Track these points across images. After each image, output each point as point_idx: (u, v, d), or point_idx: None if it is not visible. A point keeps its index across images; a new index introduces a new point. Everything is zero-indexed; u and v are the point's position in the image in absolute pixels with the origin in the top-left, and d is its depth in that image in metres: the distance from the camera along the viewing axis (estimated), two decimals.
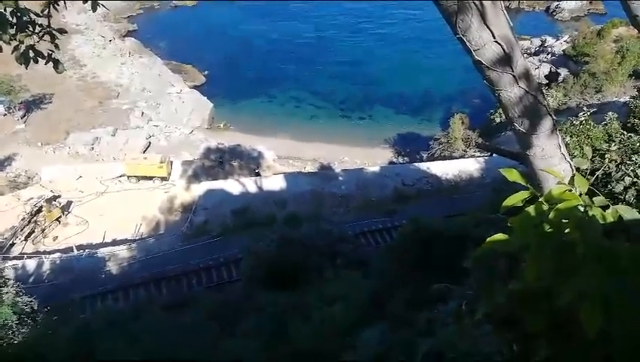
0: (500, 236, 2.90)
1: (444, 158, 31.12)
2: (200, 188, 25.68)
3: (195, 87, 42.96)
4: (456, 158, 30.36)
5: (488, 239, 2.92)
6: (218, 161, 30.61)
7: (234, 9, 57.50)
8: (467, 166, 27.54)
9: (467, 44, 2.43)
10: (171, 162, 28.54)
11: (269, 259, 14.06)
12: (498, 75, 2.55)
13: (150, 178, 26.95)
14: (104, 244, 22.51)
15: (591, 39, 38.31)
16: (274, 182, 25.94)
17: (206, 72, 45.59)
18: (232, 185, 25.79)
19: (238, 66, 45.71)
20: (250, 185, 25.77)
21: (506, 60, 2.49)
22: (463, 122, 33.98)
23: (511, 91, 2.62)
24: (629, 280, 2.29)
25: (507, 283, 3.17)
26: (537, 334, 2.57)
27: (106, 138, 34.74)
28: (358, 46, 49.63)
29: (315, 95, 42.64)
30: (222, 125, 39.19)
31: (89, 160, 32.36)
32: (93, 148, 33.94)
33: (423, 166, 28.64)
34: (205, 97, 40.93)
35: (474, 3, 2.28)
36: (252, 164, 31.32)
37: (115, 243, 22.53)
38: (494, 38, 2.41)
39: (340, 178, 26.80)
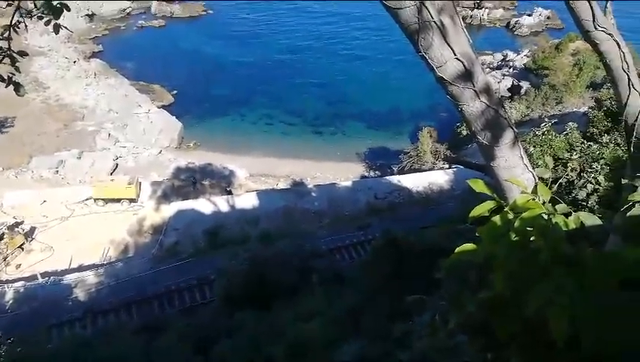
0: (468, 246, 2.96)
1: (415, 171, 31.62)
2: (170, 209, 25.22)
3: (164, 107, 42.42)
4: (426, 171, 30.89)
5: (457, 249, 2.98)
6: (191, 181, 30.23)
7: (201, 30, 57.56)
8: (437, 178, 28.04)
9: (429, 61, 2.52)
10: (140, 183, 27.98)
11: (242, 279, 13.87)
12: (460, 91, 2.65)
13: (118, 200, 26.33)
14: (70, 270, 21.74)
15: (550, 53, 39.94)
16: (246, 200, 25.74)
17: (174, 92, 45.19)
18: (204, 205, 25.45)
19: (207, 86, 45.53)
20: (222, 204, 25.49)
21: (467, 76, 2.59)
22: (431, 136, 34.72)
23: (473, 106, 2.71)
24: (592, 285, 2.38)
25: (477, 293, 3.24)
26: (508, 341, 2.63)
27: (71, 161, 33.78)
28: (328, 65, 50.30)
29: (286, 112, 42.80)
30: (192, 144, 38.76)
31: (54, 184, 31.34)
32: (57, 171, 32.92)
33: (394, 179, 29.00)
34: (174, 117, 40.45)
35: (434, 22, 2.37)
36: (223, 182, 31.03)
37: (81, 268, 21.79)
38: (455, 55, 2.50)
39: (313, 194, 26.84)
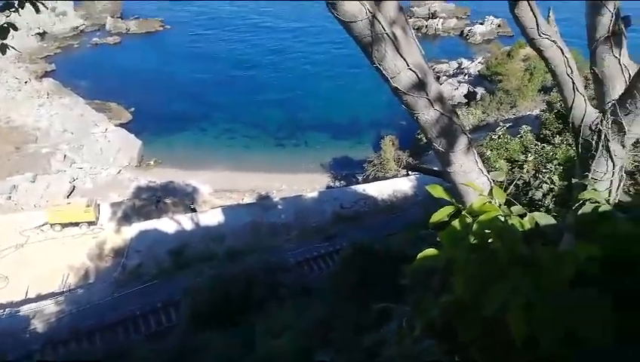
0: (430, 251, 3.01)
1: (379, 179, 32.03)
2: (132, 230, 24.48)
3: (122, 125, 41.37)
4: (390, 178, 31.34)
5: (419, 255, 3.02)
6: (154, 200, 29.51)
7: (158, 46, 56.76)
8: (401, 185, 28.49)
9: (384, 72, 2.57)
10: (99, 205, 27.08)
11: (209, 298, 13.59)
12: (414, 100, 2.72)
13: (76, 224, 25.36)
14: (28, 300, 20.67)
15: (502, 59, 41.54)
16: (211, 217, 25.32)
17: (132, 109, 44.19)
18: (167, 224, 24.85)
19: (166, 102, 44.77)
20: (185, 222, 24.97)
21: (420, 86, 2.66)
22: (393, 144, 35.35)
23: (427, 114, 2.79)
24: (547, 283, 2.45)
25: (440, 297, 3.28)
26: (471, 343, 2.67)
27: (24, 185, 32.32)
28: (288, 78, 50.51)
29: (248, 126, 42.59)
30: (152, 162, 37.89)
31: (6, 210, 29.86)
32: (10, 197, 31.41)
33: (360, 188, 29.27)
34: (132, 135, 39.50)
35: (387, 34, 2.43)
36: (187, 200, 30.45)
37: (39, 298, 20.75)
38: (408, 65, 2.57)
39: (279, 207, 26.72)
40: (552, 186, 11.97)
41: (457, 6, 58.48)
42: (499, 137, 14.19)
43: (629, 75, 3.17)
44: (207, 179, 33.07)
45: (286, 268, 16.73)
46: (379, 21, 2.36)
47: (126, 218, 26.94)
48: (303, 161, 37.67)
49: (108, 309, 18.97)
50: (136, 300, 19.23)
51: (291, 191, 32.56)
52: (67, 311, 19.32)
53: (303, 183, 34.40)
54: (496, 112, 37.26)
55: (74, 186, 32.91)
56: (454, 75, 47.28)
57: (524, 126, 15.28)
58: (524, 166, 12.52)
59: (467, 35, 57.74)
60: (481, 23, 57.59)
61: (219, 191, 32.42)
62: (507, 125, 15.95)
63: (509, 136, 14.45)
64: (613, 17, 3.15)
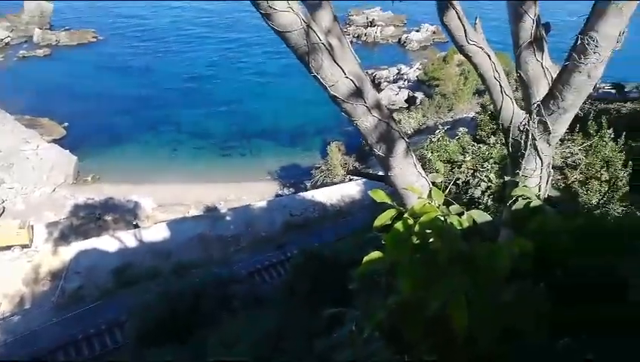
0: (375, 254, 3.06)
1: (327, 185, 32.28)
2: (70, 251, 23.16)
3: (55, 141, 39.12)
4: (338, 184, 31.67)
5: (365, 259, 3.07)
6: (95, 218, 28.14)
7: (92, 58, 54.39)
8: (349, 190, 28.84)
9: (322, 81, 2.61)
10: (32, 226, 25.45)
11: (156, 315, 13.09)
12: (353, 107, 2.78)
13: (8, 247, 23.72)
14: None
15: (438, 65, 43.24)
16: (155, 233, 24.44)
17: (66, 124, 41.95)
18: (108, 243, 23.72)
19: (102, 116, 42.85)
20: (128, 239, 23.95)
21: (358, 93, 2.72)
22: (339, 149, 35.83)
23: (366, 120, 2.86)
24: (484, 279, 2.56)
25: (387, 299, 3.33)
26: (418, 343, 2.73)
27: None
28: (232, 88, 49.92)
29: (192, 136, 41.62)
30: (90, 178, 36.08)
31: None
32: None
33: (308, 195, 29.35)
34: (67, 151, 37.45)
35: (323, 44, 2.46)
36: (129, 215, 29.24)
37: None
38: (345, 74, 2.62)
39: (228, 218, 26.25)
40: (489, 184, 12.54)
41: (394, 14, 60.26)
42: (438, 140, 14.70)
43: (551, 78, 3.40)
44: (149, 193, 31.93)
45: (237, 279, 16.46)
46: (314, 31, 2.40)
47: (63, 238, 25.48)
48: (251, 170, 37.29)
49: (47, 335, 17.83)
50: (78, 324, 18.21)
51: (239, 202, 32.10)
52: (2, 341, 18.00)
53: (252, 193, 34.01)
54: (436, 115, 38.70)
55: (4, 208, 30.71)
56: (395, 81, 48.66)
57: (461, 128, 15.96)
58: (463, 166, 13.06)
59: (404, 42, 59.68)
60: (417, 31, 59.73)
61: (163, 205, 31.37)
62: (446, 128, 16.56)
63: (447, 138, 15.01)
64: (535, 24, 3.37)
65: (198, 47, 58.71)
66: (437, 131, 15.85)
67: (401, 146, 3.08)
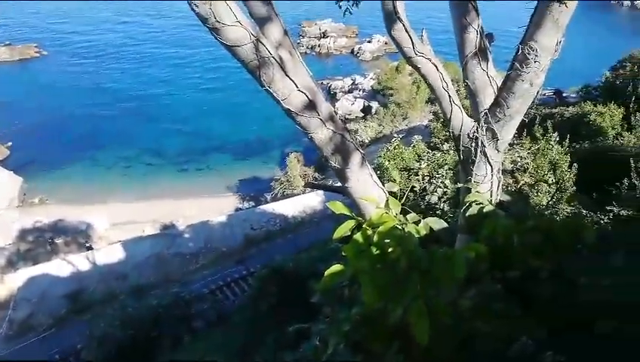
0: (335, 268, 3.05)
1: (288, 196, 32.14)
2: (18, 278, 21.84)
3: None
4: (299, 195, 31.61)
5: (326, 273, 3.05)
6: (45, 242, 26.75)
7: (36, 74, 52.20)
8: (309, 201, 28.82)
9: (274, 94, 2.60)
10: None
11: (115, 341, 12.53)
12: (307, 120, 2.78)
13: None
14: None
15: (391, 75, 44.20)
16: (110, 254, 23.47)
17: (9, 144, 39.86)
18: (60, 267, 22.55)
19: (49, 134, 41.05)
20: (81, 262, 22.87)
21: (311, 106, 2.72)
22: (298, 160, 35.80)
23: (321, 133, 2.86)
24: (442, 285, 2.60)
25: (351, 310, 3.32)
26: (383, 352, 2.73)
27: None
28: (185, 103, 49.14)
29: (145, 152, 40.48)
30: (37, 200, 34.33)
31: None
32: None
33: (269, 208, 29.08)
34: (11, 171, 35.53)
35: (273, 58, 2.46)
36: (81, 238, 27.99)
37: None
38: (298, 87, 2.62)
39: (186, 235, 25.58)
40: (445, 190, 12.86)
41: (346, 25, 61.32)
42: (394, 148, 14.98)
43: (497, 86, 3.53)
44: (102, 213, 30.72)
45: (198, 298, 16.02)
46: (264, 45, 2.39)
47: (10, 265, 24.06)
48: (208, 185, 36.64)
49: None
50: (28, 355, 17.14)
51: (198, 218, 31.40)
52: None
53: (210, 208, 33.37)
54: (391, 124, 39.48)
55: None
56: (350, 91, 49.37)
57: (415, 136, 16.36)
58: (419, 173, 13.35)
59: (357, 52, 60.79)
60: (369, 41, 60.99)
61: (117, 225, 30.23)
62: (401, 136, 16.93)
63: (403, 147, 15.33)
64: (478, 35, 3.50)
65: (148, 64, 57.59)
66: (393, 140, 16.17)
67: (356, 158, 3.10)
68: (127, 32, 66.03)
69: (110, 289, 20.08)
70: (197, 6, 2.07)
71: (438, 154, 14.43)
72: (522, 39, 2.87)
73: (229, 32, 2.29)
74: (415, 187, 13.62)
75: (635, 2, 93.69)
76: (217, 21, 2.21)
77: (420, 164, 14.03)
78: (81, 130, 42.32)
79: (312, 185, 32.39)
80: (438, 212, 12.76)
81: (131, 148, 40.53)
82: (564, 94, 33.53)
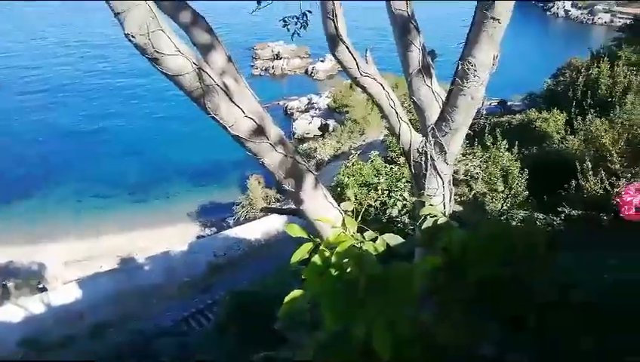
0: (296, 293, 3.00)
1: (250, 220, 31.73)
2: None
3: None
4: (262, 218, 31.27)
5: (286, 299, 3.00)
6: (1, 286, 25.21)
7: None
8: (273, 223, 28.57)
9: (220, 122, 2.57)
10: None
11: None
12: (256, 145, 2.76)
13: None
14: None
15: (346, 92, 44.97)
16: (66, 294, 22.35)
17: None
18: (12, 312, 21.25)
19: None
20: (35, 305, 21.65)
21: (260, 131, 2.71)
22: (259, 182, 35.49)
23: (271, 157, 2.85)
24: (402, 299, 2.60)
25: (314, 335, 3.27)
26: None
27: None
28: (140, 131, 48.06)
29: (99, 185, 39.03)
30: None
31: None
32: None
33: (232, 233, 28.62)
34: None
35: (218, 85, 2.44)
36: (33, 278, 26.50)
37: None
38: (245, 113, 2.61)
39: (146, 267, 24.75)
40: (404, 203, 13.08)
41: (297, 46, 62.10)
42: (353, 164, 15.16)
43: (442, 101, 3.64)
44: (55, 251, 29.29)
45: (162, 332, 15.43)
46: (207, 73, 2.36)
47: None
48: (167, 214, 35.67)
49: None
50: None
51: (158, 248, 30.48)
52: None
53: (170, 238, 32.47)
54: (349, 141, 39.98)
55: None
56: (306, 110, 49.78)
57: (373, 151, 16.61)
58: (378, 187, 13.53)
59: (311, 72, 61.62)
60: (322, 61, 61.96)
61: (72, 263, 28.85)
62: (359, 152, 17.18)
63: (361, 162, 15.53)
64: (421, 53, 3.61)
65: (98, 95, 56.23)
66: (351, 156, 16.35)
67: (309, 180, 3.10)
68: (73, 64, 64.37)
69: (68, 330, 19.04)
70: (134, 37, 2.03)
71: (396, 168, 14.69)
72: (461, 55, 2.99)
73: (170, 62, 2.25)
74: (376, 201, 13.75)
75: (569, 13, 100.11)
76: (156, 51, 2.17)
77: (379, 179, 14.23)
78: (28, 167, 40.49)
79: (267, 210, 32.03)
80: (399, 225, 12.93)
81: (83, 182, 39.04)
82: (508, 103, 35.18)
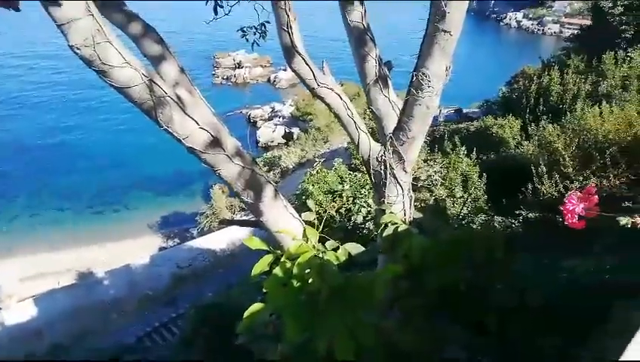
0: (256, 306, 2.95)
1: (215, 230, 31.22)
2: None
3: None
4: (226, 227, 30.82)
5: (245, 313, 2.94)
6: None
7: None
8: (238, 233, 28.19)
9: (174, 134, 2.51)
10: None
11: None
12: (212, 157, 2.71)
13: None
14: None
15: (309, 100, 45.10)
16: (22, 312, 21.28)
17: None
18: None
19: None
20: None
21: (215, 143, 2.66)
22: (223, 191, 34.99)
23: (228, 169, 2.81)
24: (364, 308, 2.60)
25: (278, 348, 3.22)
26: None
27: None
28: (96, 141, 46.66)
29: (55, 197, 37.53)
30: None
31: None
32: None
33: (195, 243, 28.05)
34: None
35: (169, 97, 2.38)
36: None
37: None
38: (199, 125, 2.56)
39: (106, 282, 23.89)
40: (369, 209, 13.19)
41: (259, 55, 61.98)
42: (317, 172, 15.20)
43: (399, 110, 3.70)
44: (9, 268, 27.90)
45: (124, 349, 14.91)
46: (158, 85, 2.31)
47: None
48: (128, 226, 34.63)
49: None
50: None
51: (119, 262, 29.51)
52: None
53: (132, 250, 31.52)
54: (314, 148, 40.08)
55: None
56: (270, 119, 49.63)
57: (336, 158, 16.72)
58: (343, 194, 13.60)
59: (274, 81, 61.59)
60: (284, 70, 62.03)
61: (27, 279, 27.52)
62: (323, 159, 17.24)
63: (326, 170, 15.59)
64: (377, 63, 3.66)
65: (53, 108, 54.30)
66: (315, 164, 16.38)
67: (268, 191, 3.07)
68: (25, 76, 61.93)
69: (24, 350, 18.12)
70: (79, 49, 1.95)
71: (360, 175, 14.82)
72: (415, 67, 3.04)
73: (118, 74, 2.18)
74: (340, 208, 13.81)
75: (521, 24, 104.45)
76: (103, 63, 2.10)
77: (343, 186, 14.31)
78: None
79: (227, 222, 31.58)
80: (364, 231, 13.01)
81: (39, 196, 37.46)
82: (465, 110, 36.39)
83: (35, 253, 30.52)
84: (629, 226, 1.47)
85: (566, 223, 1.56)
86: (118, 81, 2.20)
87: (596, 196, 1.48)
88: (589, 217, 1.52)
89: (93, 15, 1.93)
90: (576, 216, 1.52)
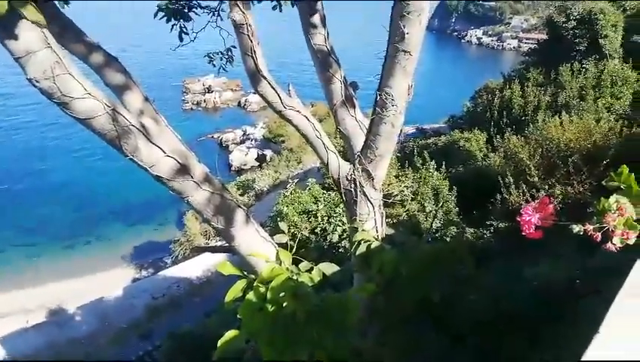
0: (230, 334, 2.91)
1: (189, 258, 30.61)
2: None
3: None
4: (201, 254, 30.26)
5: (220, 342, 2.89)
6: None
7: None
8: (213, 259, 27.71)
9: (139, 163, 2.48)
10: None
11: None
12: (180, 184, 2.69)
13: None
14: None
15: (280, 123, 45.24)
16: None
17: None
18: None
19: None
20: None
21: (183, 170, 2.64)
22: (196, 218, 34.43)
23: (197, 195, 2.78)
24: (339, 329, 2.60)
25: None
26: None
27: None
28: (64, 171, 45.36)
29: (21, 232, 36.14)
30: None
31: None
32: None
33: (170, 272, 27.40)
34: None
35: (134, 127, 2.35)
36: None
37: None
38: (165, 153, 2.54)
39: (78, 317, 23.01)
40: (344, 228, 13.22)
41: (228, 79, 62.09)
42: (291, 193, 15.18)
43: (366, 129, 3.77)
44: None
45: None
46: (121, 114, 2.28)
47: None
48: (99, 258, 33.55)
49: None
50: None
51: (91, 296, 28.52)
52: None
53: (104, 283, 30.51)
54: (287, 170, 40.09)
55: None
56: (242, 142, 49.50)
57: (310, 179, 16.76)
58: (318, 214, 13.61)
59: (244, 104, 61.68)
60: (255, 93, 62.27)
61: None
62: (297, 180, 17.25)
63: (300, 191, 15.60)
64: (343, 85, 3.73)
65: (13, 134, 52.82)
66: (288, 185, 16.39)
67: (239, 215, 3.06)
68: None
69: None
70: (38, 81, 1.92)
71: (333, 194, 14.87)
72: (379, 86, 3.12)
73: (79, 105, 2.15)
74: (316, 228, 13.79)
75: (481, 40, 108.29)
76: (64, 95, 2.07)
77: (318, 206, 14.33)
78: None
79: (199, 250, 31.07)
80: (341, 250, 13.00)
81: (2, 231, 36.02)
82: (430, 127, 37.34)
83: (2, 290, 29.21)
84: (582, 234, 1.53)
85: (523, 234, 1.61)
86: (80, 113, 2.16)
87: (551, 206, 1.54)
88: (545, 227, 1.58)
89: (51, 47, 1.91)
90: (532, 226, 1.58)
